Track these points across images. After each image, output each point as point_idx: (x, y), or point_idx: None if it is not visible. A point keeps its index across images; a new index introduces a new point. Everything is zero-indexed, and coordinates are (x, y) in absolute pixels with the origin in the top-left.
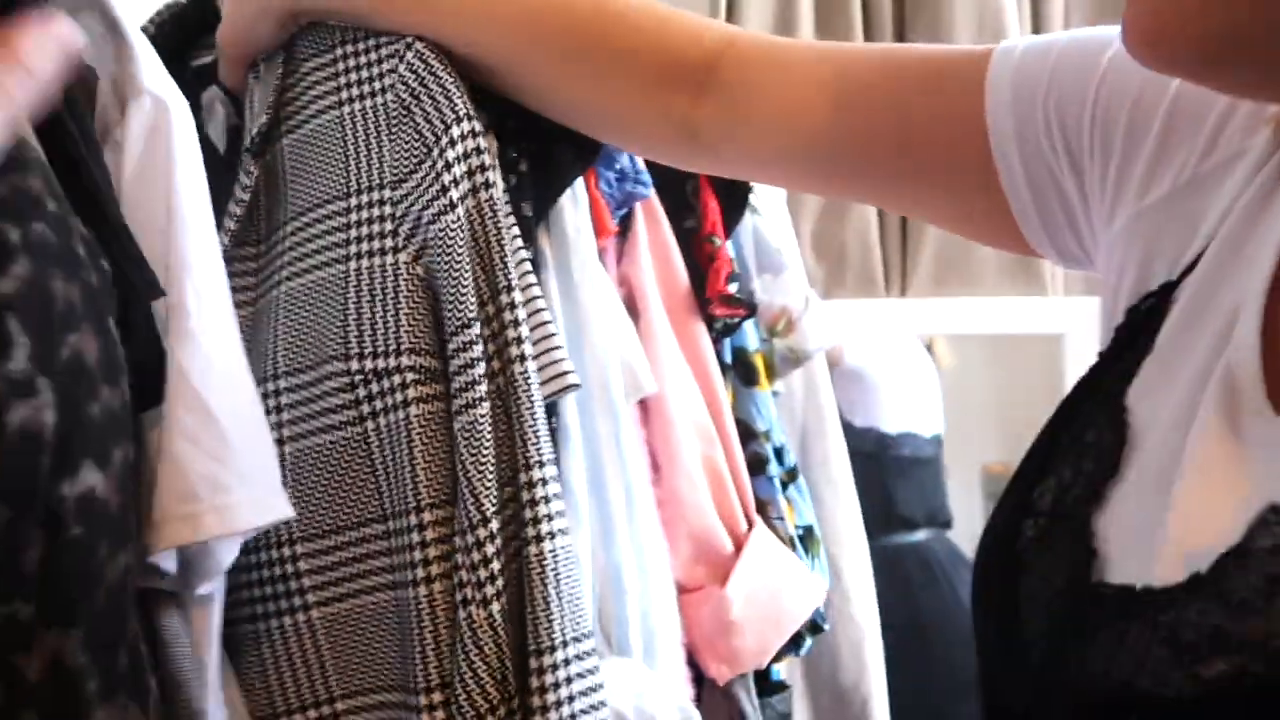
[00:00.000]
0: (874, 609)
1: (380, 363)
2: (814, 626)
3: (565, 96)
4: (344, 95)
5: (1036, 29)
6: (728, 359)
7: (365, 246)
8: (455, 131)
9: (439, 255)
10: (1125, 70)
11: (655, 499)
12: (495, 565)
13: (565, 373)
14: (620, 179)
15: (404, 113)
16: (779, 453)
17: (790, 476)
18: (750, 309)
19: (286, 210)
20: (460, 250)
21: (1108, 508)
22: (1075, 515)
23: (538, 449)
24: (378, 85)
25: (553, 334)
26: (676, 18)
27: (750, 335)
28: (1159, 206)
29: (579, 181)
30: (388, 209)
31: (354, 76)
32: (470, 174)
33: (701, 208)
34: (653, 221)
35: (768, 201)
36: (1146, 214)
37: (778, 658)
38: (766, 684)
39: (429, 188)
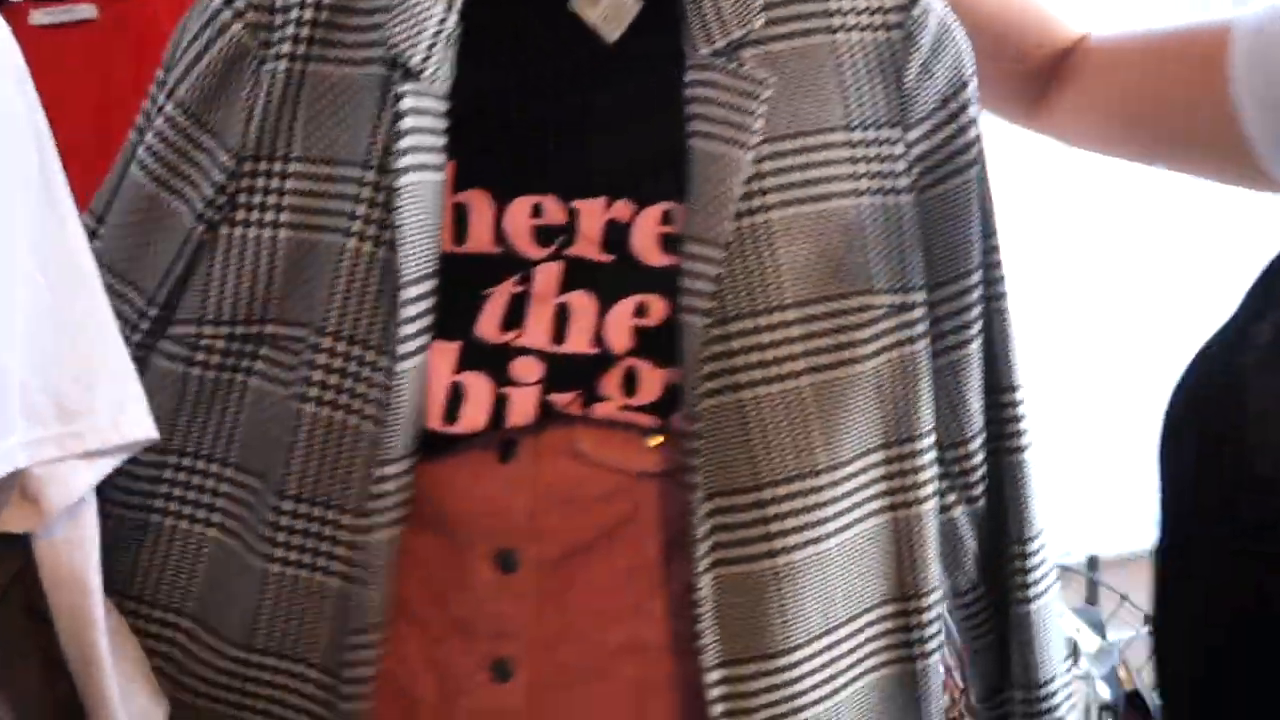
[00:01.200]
0: None
1: (899, 298)
2: None
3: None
4: (837, 22)
5: None
6: None
7: (875, 184)
8: (968, 93)
9: (950, 204)
10: None
11: None
12: (980, 472)
13: None
14: None
15: (914, 56)
16: None
17: None
18: None
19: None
20: (972, 203)
21: None
22: None
23: (1012, 374)
24: (879, 20)
25: None
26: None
27: None
28: None
29: None
30: (899, 149)
31: (851, 5)
32: (980, 134)
33: None
34: None
35: None
36: None
37: None
38: None
39: (953, 139)
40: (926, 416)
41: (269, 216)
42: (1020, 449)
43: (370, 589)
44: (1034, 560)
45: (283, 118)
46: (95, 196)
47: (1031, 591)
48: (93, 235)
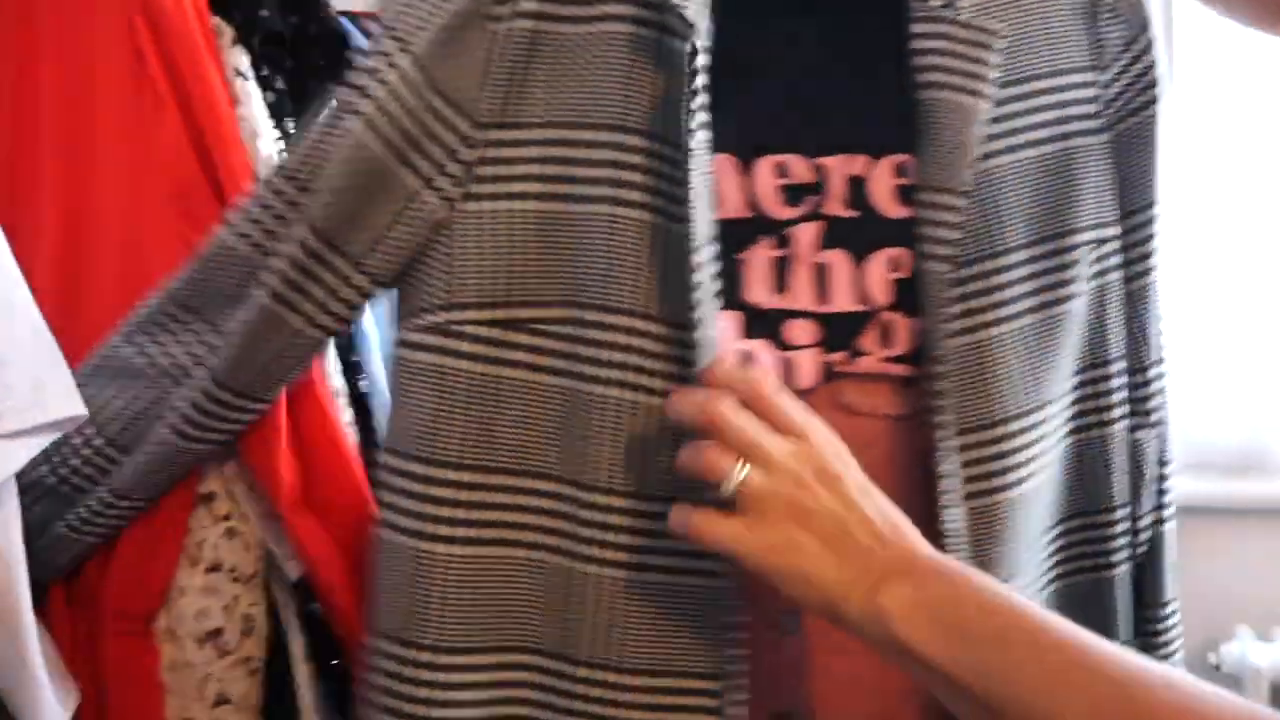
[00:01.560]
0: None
1: (1099, 233)
2: None
3: None
4: None
5: None
6: None
7: (1078, 126)
8: (1149, 33)
9: (1137, 139)
10: None
11: None
12: (1159, 398)
13: None
14: None
15: (1103, 1)
16: None
17: None
18: None
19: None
20: (1153, 140)
21: None
22: None
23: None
24: None
25: None
26: None
27: None
28: None
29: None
30: (1093, 91)
31: None
32: (1162, 72)
33: None
34: None
35: None
36: None
37: None
38: None
39: (1138, 79)
40: (1117, 343)
41: (516, 188)
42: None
43: (729, 579)
44: (1168, 484)
45: (524, 82)
46: (295, 155)
47: (1166, 514)
48: (288, 202)
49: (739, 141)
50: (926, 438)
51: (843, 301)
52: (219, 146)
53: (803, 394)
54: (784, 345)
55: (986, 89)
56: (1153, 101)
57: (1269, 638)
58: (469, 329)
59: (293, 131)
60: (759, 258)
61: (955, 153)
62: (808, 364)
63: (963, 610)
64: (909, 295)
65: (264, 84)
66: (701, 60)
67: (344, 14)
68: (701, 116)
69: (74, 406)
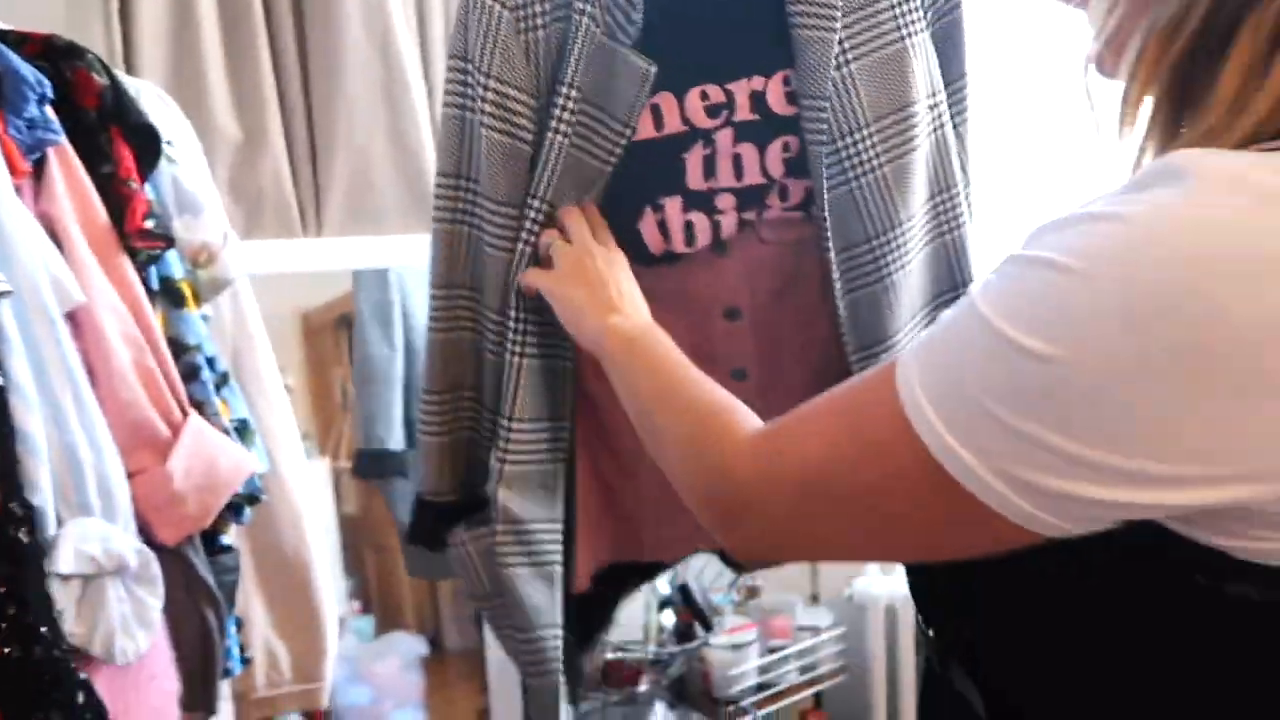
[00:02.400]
0: (307, 491)
1: (932, 99)
2: (251, 498)
3: None
4: None
5: (422, 31)
6: (154, 285)
7: (907, 29)
8: None
9: (951, 30)
10: None
11: (96, 397)
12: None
13: None
14: (30, 126)
15: None
16: (211, 361)
17: (222, 380)
18: (169, 242)
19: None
20: (963, 28)
21: None
22: None
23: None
24: None
25: None
26: None
27: (175, 265)
28: None
29: None
30: (916, 2)
31: None
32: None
33: (116, 156)
34: (67, 165)
35: (185, 151)
36: None
37: (221, 525)
38: (215, 548)
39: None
40: (956, 172)
41: (553, 125)
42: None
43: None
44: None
45: (545, 65)
46: (443, 155)
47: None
48: (467, 190)
49: (674, 82)
50: (821, 257)
51: (752, 178)
52: None
53: (730, 239)
54: (714, 211)
55: (835, 24)
56: (957, 6)
57: (888, 572)
58: (541, 206)
59: None
60: (694, 157)
61: (819, 70)
62: (729, 221)
63: (643, 344)
64: (799, 165)
65: None
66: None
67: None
68: (643, 95)
69: None
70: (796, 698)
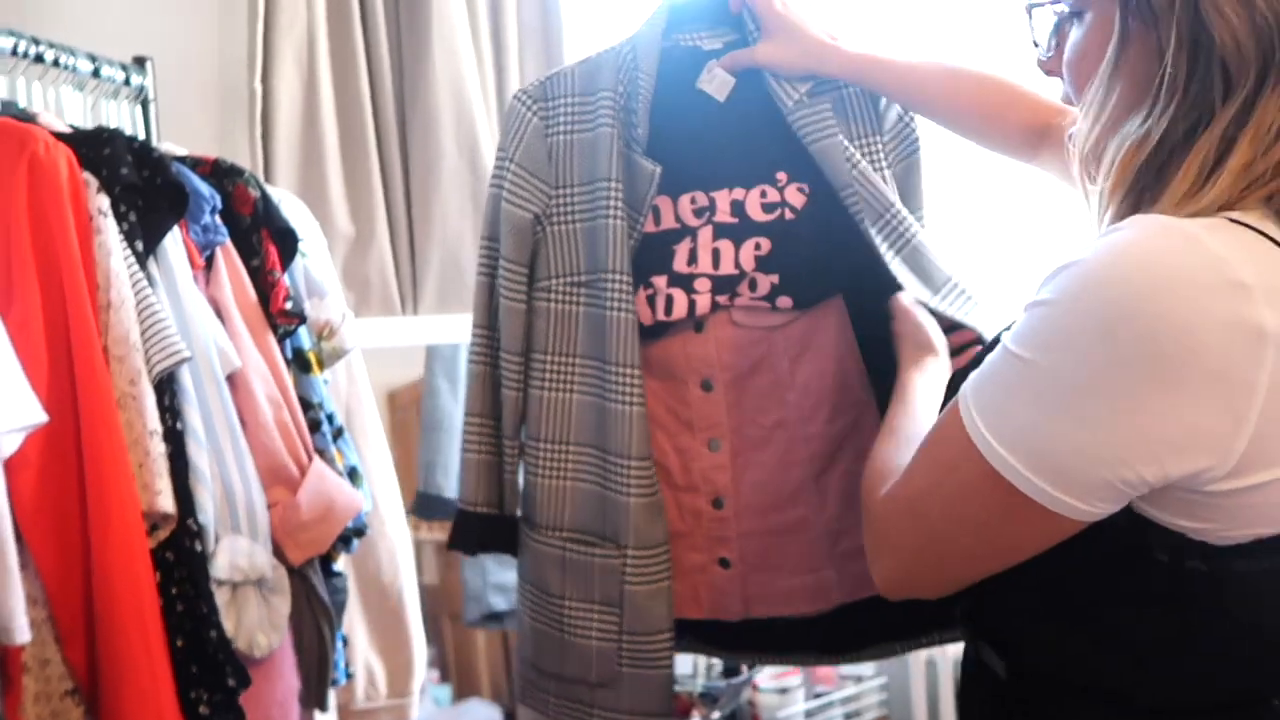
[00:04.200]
0: (403, 530)
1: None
2: (358, 532)
3: (954, 126)
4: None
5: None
6: (289, 355)
7: (870, 163)
8: (910, 115)
9: (909, 171)
10: None
11: (245, 443)
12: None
13: (179, 349)
14: (205, 230)
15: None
16: (330, 417)
17: (338, 433)
18: (301, 319)
19: None
20: (919, 171)
21: None
22: None
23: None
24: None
25: (166, 322)
26: (1019, 91)
27: (305, 338)
28: None
29: (175, 229)
30: (880, 143)
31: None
32: (918, 138)
33: (265, 251)
34: (230, 260)
35: (313, 246)
36: None
37: (333, 554)
38: (329, 572)
39: (906, 139)
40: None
41: (569, 217)
42: None
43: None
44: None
45: (566, 162)
46: (485, 222)
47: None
48: (494, 251)
49: (671, 187)
50: (786, 337)
51: (727, 268)
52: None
53: (706, 318)
54: (692, 291)
55: (838, 134)
56: (915, 153)
57: None
58: (558, 284)
59: (140, 252)
60: (682, 248)
61: (838, 168)
62: (704, 301)
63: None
64: (768, 262)
65: (120, 218)
66: (653, 167)
67: (181, 158)
68: (654, 190)
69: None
70: None
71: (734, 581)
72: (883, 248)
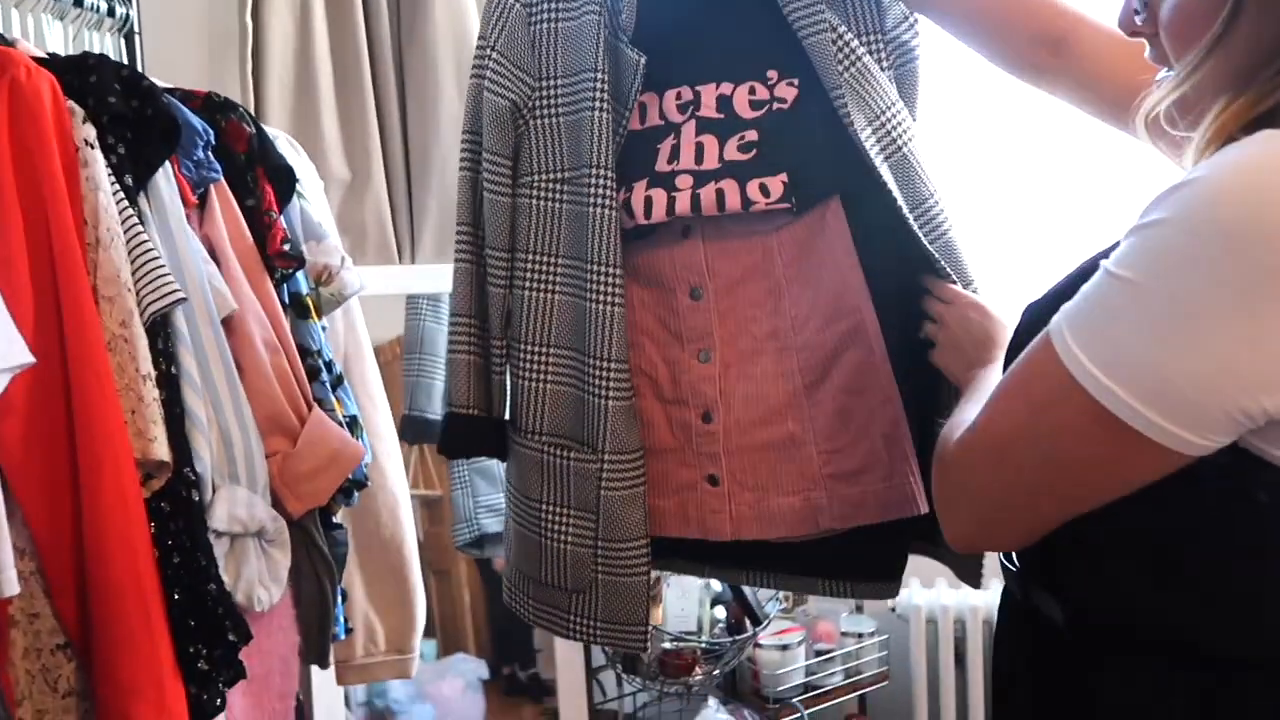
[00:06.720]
0: (402, 482)
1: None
2: (358, 484)
3: (962, 29)
4: None
5: None
6: (286, 299)
7: (870, 58)
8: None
9: (908, 70)
10: None
11: (242, 390)
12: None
13: (173, 290)
14: (198, 166)
15: None
16: (328, 365)
17: (337, 381)
18: (300, 262)
19: None
20: (919, 74)
21: None
22: None
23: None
24: None
25: (159, 261)
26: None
27: (302, 283)
28: None
29: (167, 164)
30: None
31: None
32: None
33: (261, 191)
34: (224, 198)
35: (311, 189)
36: None
37: (333, 506)
38: (328, 524)
39: (907, 40)
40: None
41: (552, 108)
42: None
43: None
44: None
45: (550, 52)
46: (467, 116)
47: None
48: (477, 144)
49: (657, 82)
50: (780, 241)
51: (710, 163)
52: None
53: (691, 220)
54: (673, 189)
55: (831, 33)
56: (914, 58)
57: (929, 585)
58: (542, 180)
59: (130, 186)
60: (665, 145)
61: (830, 66)
62: (684, 199)
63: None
64: (759, 159)
65: (108, 150)
66: (637, 57)
67: (170, 90)
68: (638, 83)
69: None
70: (842, 699)
71: (723, 499)
72: (873, 151)
